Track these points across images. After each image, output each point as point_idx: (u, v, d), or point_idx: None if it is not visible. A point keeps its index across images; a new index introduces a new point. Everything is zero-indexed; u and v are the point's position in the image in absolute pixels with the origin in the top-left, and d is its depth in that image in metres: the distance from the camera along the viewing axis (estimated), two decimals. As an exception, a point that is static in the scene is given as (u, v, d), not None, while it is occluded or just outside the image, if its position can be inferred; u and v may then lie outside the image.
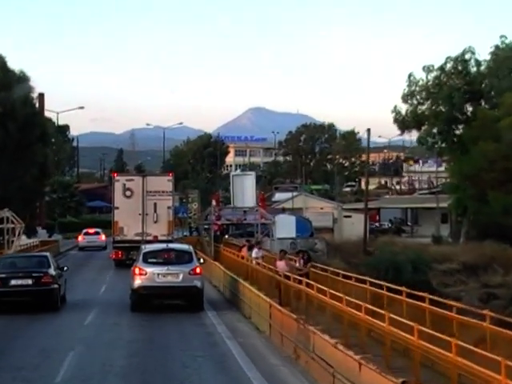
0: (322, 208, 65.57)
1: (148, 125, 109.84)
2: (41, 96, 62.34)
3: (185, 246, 28.56)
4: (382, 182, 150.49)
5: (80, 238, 62.85)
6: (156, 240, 38.44)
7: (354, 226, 62.87)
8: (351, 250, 53.99)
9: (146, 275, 24.99)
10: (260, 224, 44.73)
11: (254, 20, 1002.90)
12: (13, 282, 25.25)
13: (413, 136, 69.74)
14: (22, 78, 53.56)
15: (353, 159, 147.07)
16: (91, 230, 63.38)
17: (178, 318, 24.34)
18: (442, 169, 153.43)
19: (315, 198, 72.40)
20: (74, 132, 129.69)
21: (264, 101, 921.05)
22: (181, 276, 24.98)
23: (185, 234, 72.42)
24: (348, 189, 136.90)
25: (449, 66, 64.01)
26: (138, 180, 41.57)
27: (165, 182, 41.88)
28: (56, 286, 25.83)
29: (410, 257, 47.64)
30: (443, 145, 64.27)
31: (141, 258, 25.80)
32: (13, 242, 41.20)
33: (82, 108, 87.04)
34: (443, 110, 62.55)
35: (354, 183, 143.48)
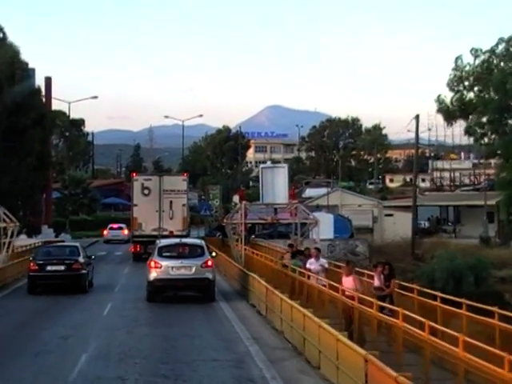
0: (360, 205, 58.04)
1: (166, 117, 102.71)
2: (47, 80, 55.41)
3: (197, 241, 30.19)
4: (407, 179, 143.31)
5: (105, 232, 68.50)
6: (172, 235, 40.17)
7: (396, 226, 55.70)
8: (396, 254, 46.74)
9: (161, 268, 26.19)
10: (299, 224, 37.64)
11: (269, 18, 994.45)
12: (48, 268, 29.20)
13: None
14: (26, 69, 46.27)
15: (378, 155, 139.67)
16: (115, 225, 68.91)
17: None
18: (467, 165, 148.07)
19: (353, 195, 64.85)
20: (90, 129, 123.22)
21: (281, 98, 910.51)
22: (193, 269, 26.14)
23: (204, 233, 65.73)
24: (372, 186, 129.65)
25: (500, 47, 57.06)
26: (155, 179, 43.85)
27: (180, 182, 44.18)
28: (84, 271, 29.61)
29: (469, 262, 40.38)
30: (493, 136, 57.19)
31: (156, 252, 27.02)
32: (5, 244, 33.87)
33: (95, 98, 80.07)
34: (494, 97, 55.55)
35: (377, 180, 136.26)
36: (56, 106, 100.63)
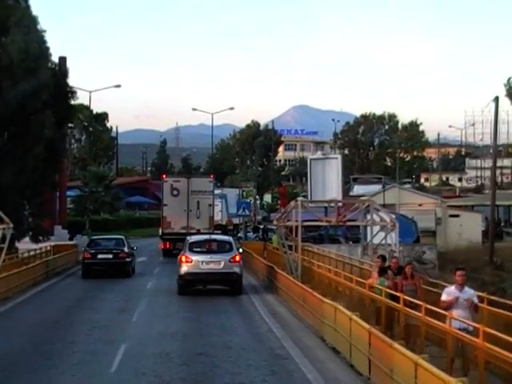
0: (420, 204, 49.88)
1: (194, 109, 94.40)
2: (62, 60, 47.84)
3: (225, 237, 31.61)
4: (444, 178, 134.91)
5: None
6: (199, 233, 40.87)
7: (462, 228, 47.71)
8: (469, 261, 38.66)
9: (191, 263, 27.27)
10: (365, 226, 29.85)
11: (294, 19, 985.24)
12: (99, 256, 34.56)
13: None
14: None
15: (415, 152, 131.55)
16: None
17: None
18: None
19: (412, 192, 56.63)
20: (119, 129, 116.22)
21: (307, 99, 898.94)
22: (222, 263, 27.13)
23: (239, 235, 58.19)
24: (408, 186, 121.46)
25: None
26: (184, 181, 45.90)
27: (206, 183, 46.04)
28: (129, 259, 34.97)
29: None
30: None
31: (187, 247, 28.02)
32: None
33: (118, 86, 72.43)
34: None
35: (410, 179, 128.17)
36: (81, 99, 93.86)
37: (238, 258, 27.46)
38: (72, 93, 40.15)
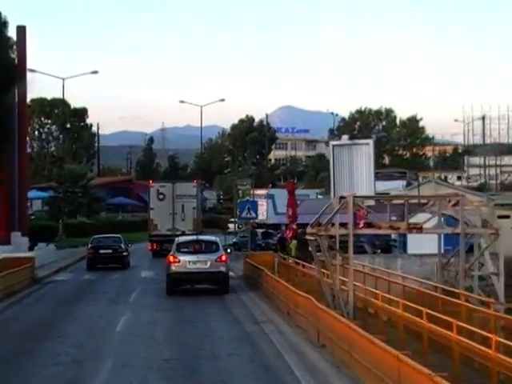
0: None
1: (181, 102, 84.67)
2: (20, 30, 38.65)
3: (212, 238, 31.98)
4: (442, 177, 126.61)
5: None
6: (184, 234, 41.73)
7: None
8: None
9: (179, 262, 28.03)
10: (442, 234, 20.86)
11: (278, 20, 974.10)
12: (101, 251, 40.28)
13: None
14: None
15: (414, 150, 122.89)
16: None
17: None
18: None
19: (453, 189, 47.32)
20: (105, 131, 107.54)
21: (293, 99, 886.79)
22: (208, 263, 27.88)
23: (232, 241, 49.82)
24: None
25: None
26: (169, 186, 47.76)
27: (190, 188, 47.95)
28: (125, 253, 41.10)
29: None
30: None
31: (174, 247, 28.83)
32: None
33: (95, 72, 62.89)
34: None
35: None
36: (56, 93, 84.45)
37: (224, 258, 28.23)
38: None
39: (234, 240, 51.33)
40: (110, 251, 40.24)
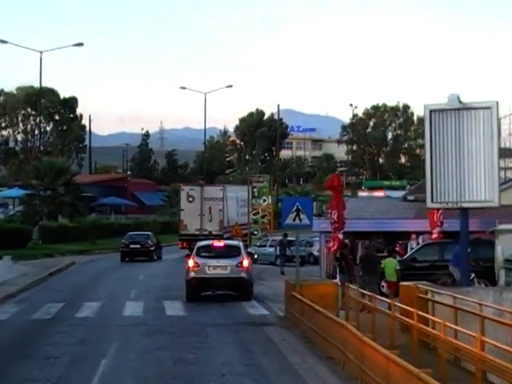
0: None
1: (183, 88, 72.74)
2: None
3: (234, 242, 30.51)
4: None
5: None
6: (210, 234, 44.67)
7: None
8: None
9: (198, 267, 26.47)
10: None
11: (279, 22, 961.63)
12: (131, 246, 45.91)
13: None
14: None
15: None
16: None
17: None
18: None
19: None
20: (103, 132, 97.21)
21: (292, 102, 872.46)
22: (229, 268, 26.24)
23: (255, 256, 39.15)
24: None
25: None
26: (198, 189, 49.96)
27: (217, 191, 49.82)
28: (152, 248, 46.65)
29: None
30: None
31: (194, 251, 27.58)
32: None
33: (79, 45, 51.82)
34: None
35: (416, 181, 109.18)
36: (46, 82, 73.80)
37: (245, 264, 26.55)
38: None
39: (248, 250, 40.00)
40: (138, 246, 45.90)
